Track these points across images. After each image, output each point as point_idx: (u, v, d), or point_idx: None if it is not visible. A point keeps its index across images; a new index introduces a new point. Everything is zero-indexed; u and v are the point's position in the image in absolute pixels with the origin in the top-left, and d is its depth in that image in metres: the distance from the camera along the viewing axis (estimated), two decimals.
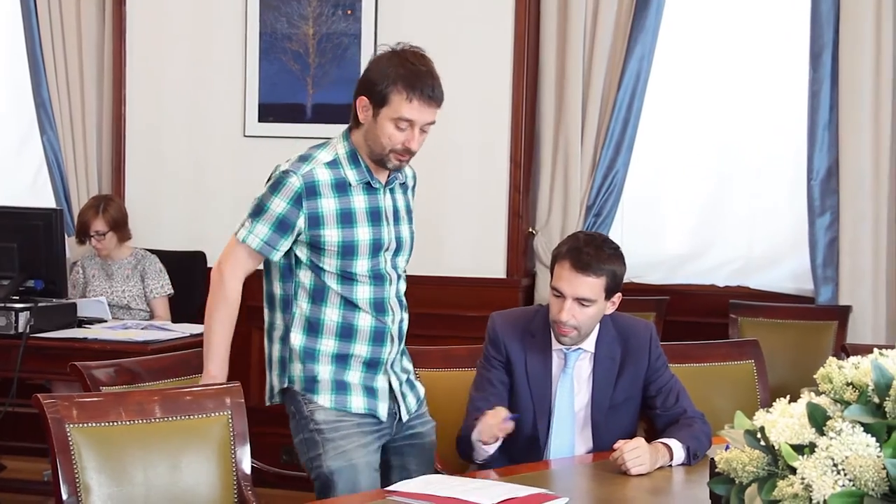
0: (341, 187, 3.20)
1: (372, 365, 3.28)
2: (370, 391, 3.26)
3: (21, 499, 5.49)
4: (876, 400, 2.08)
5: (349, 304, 3.24)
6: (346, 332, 3.25)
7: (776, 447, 2.10)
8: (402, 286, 3.37)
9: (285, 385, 3.26)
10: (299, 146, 5.81)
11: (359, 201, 3.22)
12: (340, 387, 3.24)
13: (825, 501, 1.98)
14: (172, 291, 5.64)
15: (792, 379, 4.59)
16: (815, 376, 2.17)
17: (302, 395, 3.23)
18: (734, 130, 5.75)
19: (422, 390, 3.46)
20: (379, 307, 3.27)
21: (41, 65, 6.22)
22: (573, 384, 3.41)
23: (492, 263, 5.74)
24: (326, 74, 5.82)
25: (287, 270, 3.27)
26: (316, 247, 3.20)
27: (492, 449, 3.27)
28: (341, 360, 3.25)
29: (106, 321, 5.30)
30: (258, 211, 3.21)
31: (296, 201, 3.17)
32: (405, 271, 3.39)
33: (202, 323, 5.25)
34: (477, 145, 5.71)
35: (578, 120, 5.61)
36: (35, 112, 6.27)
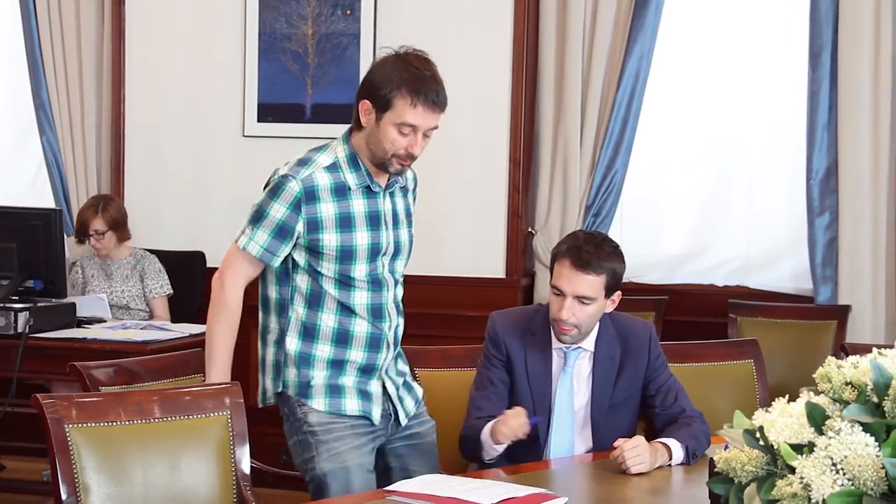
0: (341, 191, 3.18)
1: (367, 370, 3.27)
2: (364, 394, 3.26)
3: (20, 499, 5.49)
4: (875, 399, 2.08)
5: (346, 309, 3.23)
6: (342, 338, 3.24)
7: (775, 447, 2.10)
8: (400, 292, 3.36)
9: (279, 390, 3.26)
10: (299, 146, 5.82)
11: (358, 205, 3.20)
12: (334, 390, 3.23)
13: (824, 501, 1.98)
14: (172, 291, 5.64)
15: (791, 378, 4.59)
16: (813, 376, 2.17)
17: (296, 399, 3.23)
18: (733, 130, 5.76)
19: (420, 391, 3.45)
20: (376, 313, 3.26)
21: (40, 65, 6.22)
22: (573, 383, 3.41)
23: (491, 263, 5.74)
24: (326, 74, 5.82)
25: (284, 275, 3.25)
26: (314, 251, 3.19)
27: (501, 448, 3.27)
28: (336, 365, 3.24)
29: (106, 319, 5.30)
30: (258, 217, 3.19)
31: (295, 206, 3.15)
32: (403, 276, 3.38)
33: (202, 323, 5.27)
34: (476, 145, 5.71)
35: (578, 120, 5.61)
36: (34, 112, 6.27)
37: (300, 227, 3.16)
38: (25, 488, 5.54)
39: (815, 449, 2.04)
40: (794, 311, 5.40)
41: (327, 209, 3.16)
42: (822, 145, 5.47)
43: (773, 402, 2.21)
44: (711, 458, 2.28)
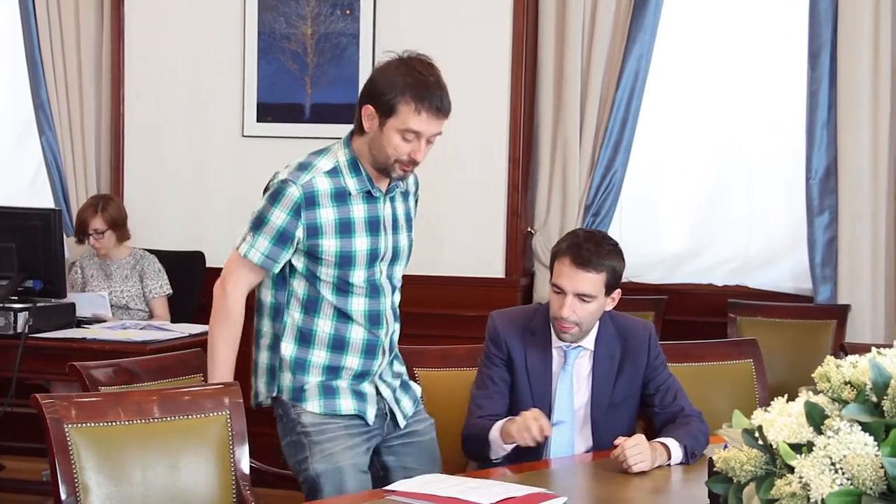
0: (341, 197, 3.16)
1: (361, 375, 3.26)
2: (358, 394, 3.25)
3: (20, 499, 5.49)
4: (874, 399, 2.08)
5: (342, 315, 3.22)
6: (338, 344, 3.23)
7: (774, 446, 2.10)
8: (397, 298, 3.35)
9: (273, 394, 3.25)
10: (298, 146, 5.85)
11: (358, 211, 3.18)
12: (328, 391, 3.22)
13: (823, 500, 1.98)
14: (171, 291, 5.64)
15: (790, 378, 4.59)
16: (812, 375, 2.17)
17: (290, 402, 3.23)
18: (732, 130, 5.76)
19: (418, 390, 3.45)
20: (374, 319, 3.25)
21: (40, 65, 6.22)
22: (573, 382, 3.42)
23: (490, 263, 5.74)
24: (325, 74, 5.82)
25: (280, 279, 3.24)
26: (313, 256, 3.18)
27: (510, 448, 3.27)
28: (332, 371, 3.23)
29: (107, 317, 5.31)
30: (258, 223, 3.18)
31: (295, 212, 3.13)
32: (401, 281, 3.36)
33: (201, 323, 5.30)
34: (476, 145, 5.70)
35: (577, 119, 5.61)
36: (34, 112, 6.27)
37: (300, 233, 3.15)
38: (25, 488, 5.54)
39: (813, 448, 2.04)
40: (794, 310, 5.41)
41: (327, 215, 3.15)
42: (821, 145, 5.47)
43: (772, 402, 2.21)
44: (710, 458, 2.28)
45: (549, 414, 3.39)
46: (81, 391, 3.42)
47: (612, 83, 5.58)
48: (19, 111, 6.42)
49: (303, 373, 3.22)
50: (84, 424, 2.86)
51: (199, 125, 6.04)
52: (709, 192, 5.82)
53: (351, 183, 3.17)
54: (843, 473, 1.99)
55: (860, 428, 2.04)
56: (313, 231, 3.15)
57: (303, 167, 3.18)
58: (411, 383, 3.44)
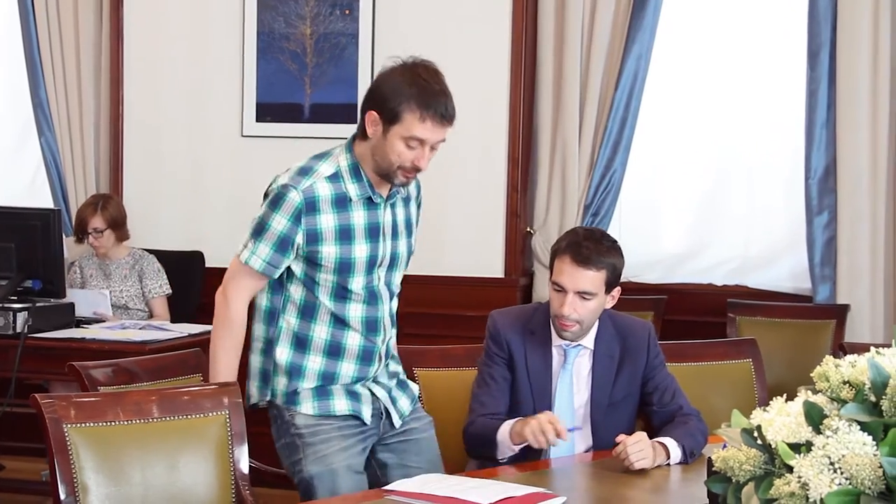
0: (341, 202, 3.14)
1: (356, 380, 3.26)
2: (353, 395, 3.24)
3: (19, 499, 5.49)
4: (872, 398, 2.08)
5: (339, 321, 3.20)
6: (335, 351, 3.22)
7: (773, 446, 2.10)
8: (395, 304, 3.34)
9: (267, 398, 3.24)
10: (297, 146, 5.87)
11: (358, 217, 3.16)
12: (323, 393, 3.21)
13: (822, 500, 1.98)
14: (171, 291, 5.64)
15: (790, 378, 4.59)
16: (811, 375, 2.17)
17: (284, 406, 3.22)
18: (732, 129, 5.76)
19: (415, 388, 3.44)
20: (371, 326, 3.24)
21: (39, 65, 6.22)
22: (573, 380, 3.42)
23: (490, 263, 5.74)
24: (324, 74, 5.82)
25: (277, 283, 3.23)
26: (313, 262, 3.16)
27: (518, 449, 3.26)
28: (327, 377, 3.22)
29: (107, 316, 5.31)
30: (259, 230, 3.15)
31: (296, 218, 3.11)
32: (399, 287, 3.35)
33: (200, 323, 5.30)
34: (475, 145, 5.70)
35: (576, 119, 5.61)
36: (33, 112, 6.27)
37: (299, 239, 3.13)
38: (24, 488, 5.54)
39: (812, 448, 2.05)
40: (793, 310, 5.41)
41: (327, 221, 3.13)
42: (820, 144, 5.47)
43: (771, 402, 2.21)
44: (709, 458, 2.28)
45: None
46: (80, 391, 3.41)
47: (612, 83, 5.58)
48: (18, 111, 6.42)
49: (298, 378, 3.21)
50: (83, 424, 2.85)
51: (198, 125, 6.04)
52: (708, 192, 5.82)
53: (352, 188, 3.15)
54: (842, 473, 1.99)
55: (859, 427, 2.04)
56: (313, 237, 3.13)
57: (303, 172, 3.15)
58: (409, 382, 3.43)
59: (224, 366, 3.20)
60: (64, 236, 5.32)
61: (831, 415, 2.09)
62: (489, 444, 3.30)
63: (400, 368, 3.41)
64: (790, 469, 2.04)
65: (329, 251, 3.14)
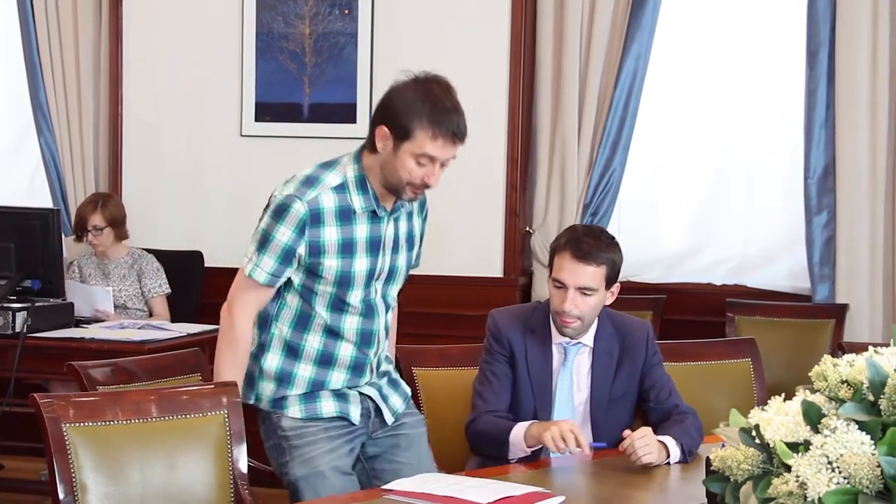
0: (345, 215, 3.11)
1: (346, 387, 3.24)
2: (340, 396, 3.22)
3: (19, 498, 5.49)
4: (871, 398, 2.08)
5: (332, 332, 3.19)
6: (326, 360, 3.20)
7: (771, 445, 2.10)
8: (391, 316, 3.32)
9: (251, 401, 3.22)
10: (296, 145, 5.88)
11: (361, 230, 3.13)
12: (310, 397, 3.20)
13: (820, 499, 1.98)
14: (170, 290, 5.64)
15: (789, 377, 4.60)
16: (810, 374, 2.17)
17: (271, 410, 3.21)
18: (731, 129, 5.76)
19: (407, 389, 3.42)
20: (366, 339, 3.22)
21: (38, 66, 6.21)
22: (573, 378, 3.43)
23: (489, 262, 5.74)
24: (323, 74, 5.82)
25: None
26: (313, 273, 3.14)
27: (530, 451, 3.26)
28: (317, 384, 3.21)
29: (109, 313, 5.32)
30: (263, 241, 3.11)
31: (300, 230, 3.07)
32: (395, 300, 3.34)
33: (199, 322, 5.30)
34: (474, 145, 5.62)
35: (575, 119, 5.62)
36: (32, 113, 6.27)
37: (302, 250, 3.10)
38: (24, 488, 5.54)
39: (810, 447, 2.05)
40: (792, 309, 5.41)
41: (330, 234, 3.10)
42: (819, 144, 5.47)
43: (769, 401, 2.21)
44: (708, 457, 2.28)
45: (550, 411, 3.40)
46: (79, 391, 3.41)
47: (611, 82, 5.58)
48: (18, 112, 6.42)
49: (287, 386, 3.20)
50: (82, 424, 2.85)
51: (197, 125, 6.04)
52: (707, 192, 5.82)
53: (357, 201, 3.12)
54: (840, 472, 1.99)
55: (857, 427, 2.04)
56: (315, 250, 3.10)
57: (309, 182, 3.11)
58: (400, 381, 3.41)
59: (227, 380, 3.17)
60: (63, 236, 5.33)
61: (829, 414, 2.09)
62: (499, 444, 3.30)
63: (391, 368, 3.39)
64: (788, 468, 2.04)
65: (331, 264, 3.12)
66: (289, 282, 3.18)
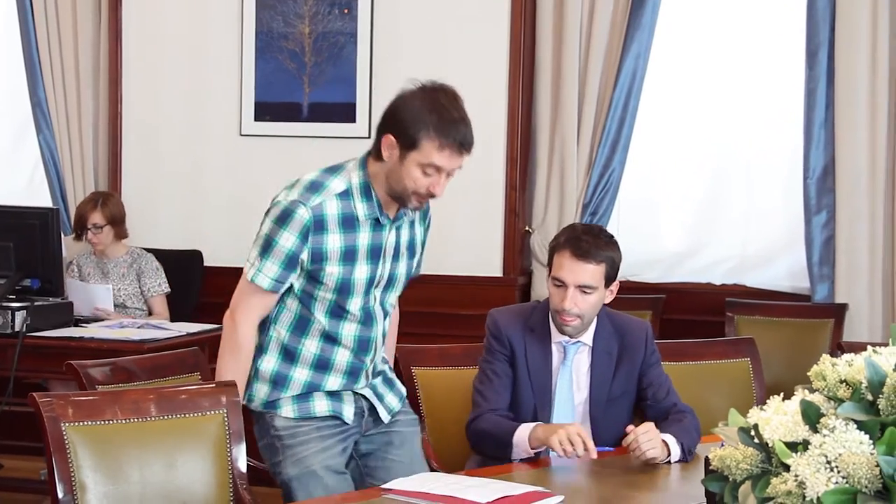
0: (348, 222, 3.10)
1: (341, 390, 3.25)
2: (333, 395, 3.22)
3: (18, 497, 5.49)
4: (869, 397, 2.08)
5: (330, 338, 3.18)
6: (322, 365, 3.20)
7: (770, 444, 2.10)
8: (388, 323, 3.31)
9: (243, 402, 3.19)
10: (295, 145, 5.88)
11: (363, 238, 3.12)
12: (303, 398, 3.20)
13: (819, 499, 1.98)
14: (170, 289, 5.64)
15: (788, 377, 4.59)
16: (808, 374, 2.17)
17: (264, 410, 3.21)
18: (730, 128, 5.76)
19: (403, 389, 3.42)
20: (363, 346, 3.22)
21: (37, 64, 6.21)
22: (573, 376, 3.44)
23: (488, 262, 5.74)
24: (323, 73, 5.82)
25: None
26: (314, 279, 3.13)
27: (533, 453, 3.26)
28: (312, 387, 3.21)
29: (109, 311, 5.32)
30: (266, 247, 3.10)
31: (304, 236, 3.06)
32: (393, 306, 3.33)
33: (199, 322, 5.30)
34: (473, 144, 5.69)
35: (574, 118, 5.62)
36: (31, 111, 6.27)
37: (304, 256, 3.09)
38: (23, 487, 5.54)
39: (809, 447, 2.04)
40: (791, 309, 5.41)
41: (333, 241, 3.09)
42: (819, 143, 5.47)
43: (768, 400, 2.21)
44: (707, 456, 2.28)
45: (549, 409, 3.40)
46: (79, 390, 3.41)
47: (610, 82, 5.58)
48: (17, 110, 6.42)
49: (281, 388, 3.19)
50: (81, 423, 2.85)
51: (196, 124, 6.04)
52: (707, 191, 5.82)
53: (360, 208, 3.11)
54: (839, 472, 1.99)
55: (856, 426, 2.04)
56: (318, 256, 3.09)
57: (314, 188, 3.09)
58: (396, 381, 3.41)
59: None
60: (62, 235, 5.32)
61: (828, 413, 2.09)
62: (501, 445, 3.29)
63: (387, 367, 3.38)
64: (787, 468, 2.04)
65: (332, 271, 3.11)
66: (289, 286, 3.16)
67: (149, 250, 5.72)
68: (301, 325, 3.19)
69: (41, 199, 6.27)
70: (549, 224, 5.68)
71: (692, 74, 5.78)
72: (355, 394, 3.25)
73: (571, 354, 3.44)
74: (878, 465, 1.98)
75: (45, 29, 6.16)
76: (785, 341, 5.21)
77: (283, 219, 3.07)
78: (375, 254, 3.16)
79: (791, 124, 5.60)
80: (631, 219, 5.82)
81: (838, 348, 4.52)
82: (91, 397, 3.02)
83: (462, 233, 5.74)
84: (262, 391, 3.21)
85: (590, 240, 3.35)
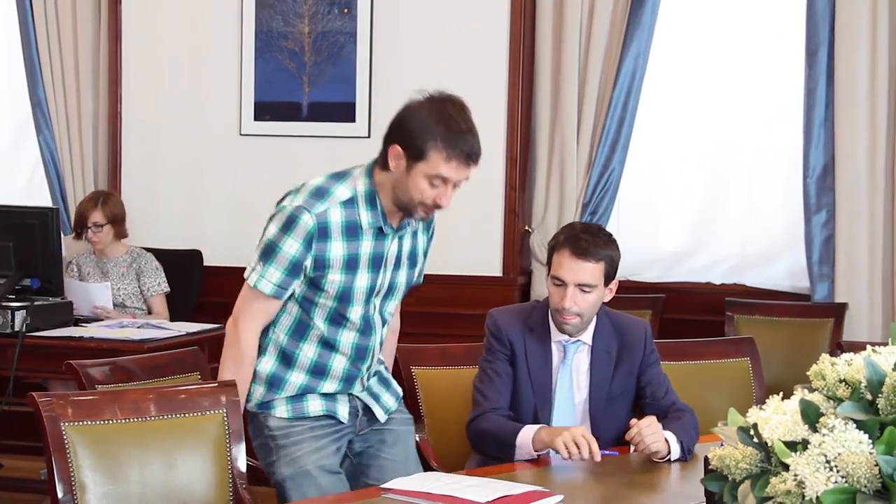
0: (352, 231, 3.09)
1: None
2: (327, 395, 3.22)
3: (18, 497, 5.49)
4: (868, 397, 2.08)
5: (328, 344, 3.18)
6: (319, 370, 3.20)
7: (769, 444, 2.10)
8: (386, 331, 3.31)
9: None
10: (295, 144, 5.88)
11: (366, 246, 3.12)
12: (297, 398, 3.20)
13: (818, 498, 1.98)
14: (169, 289, 5.64)
15: (788, 376, 4.59)
16: (808, 373, 2.17)
17: (258, 411, 3.21)
18: (730, 128, 5.76)
19: (398, 389, 3.42)
20: (361, 354, 3.22)
21: (37, 64, 6.21)
22: (573, 375, 3.44)
23: (488, 261, 5.74)
24: (322, 73, 5.82)
25: None
26: (315, 286, 3.12)
27: (537, 455, 3.26)
28: (308, 390, 3.21)
29: (108, 308, 5.32)
30: (269, 252, 3.08)
31: (308, 243, 3.05)
32: (392, 315, 3.33)
33: (198, 321, 5.29)
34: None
35: (574, 118, 5.62)
36: (31, 111, 6.27)
37: (307, 263, 3.08)
38: (23, 487, 5.55)
39: (808, 446, 2.04)
40: (791, 308, 5.41)
41: (336, 249, 3.08)
42: (818, 143, 5.47)
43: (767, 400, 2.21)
44: (706, 456, 2.29)
45: (550, 409, 3.41)
46: (78, 390, 3.41)
47: (610, 82, 5.58)
48: (17, 110, 6.42)
49: (277, 390, 3.19)
50: (81, 423, 2.85)
51: (196, 124, 6.04)
52: (706, 191, 5.82)
53: (364, 216, 3.10)
54: (838, 471, 1.99)
55: (855, 426, 2.04)
56: (321, 264, 3.08)
57: (319, 194, 3.08)
58: (392, 381, 3.40)
59: None
60: (62, 235, 5.33)
61: (827, 413, 2.09)
62: (504, 446, 3.29)
63: (382, 367, 3.38)
64: (786, 467, 2.04)
65: (334, 278, 3.10)
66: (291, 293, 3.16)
67: (148, 250, 5.72)
68: (300, 330, 3.19)
69: (41, 198, 6.27)
70: (549, 224, 5.67)
71: (692, 74, 5.78)
72: (350, 395, 3.25)
73: (571, 353, 3.45)
74: (877, 465, 1.98)
75: (44, 29, 6.16)
76: (784, 341, 5.21)
77: (288, 225, 3.06)
78: (377, 263, 3.15)
79: (791, 123, 5.60)
80: (630, 218, 5.82)
81: (838, 348, 4.52)
82: (90, 397, 3.02)
83: (462, 232, 5.73)
84: (257, 392, 3.20)
85: (589, 238, 3.36)
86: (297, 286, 3.14)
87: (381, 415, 3.29)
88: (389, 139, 3.08)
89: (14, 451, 5.73)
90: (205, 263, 5.88)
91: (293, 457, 3.16)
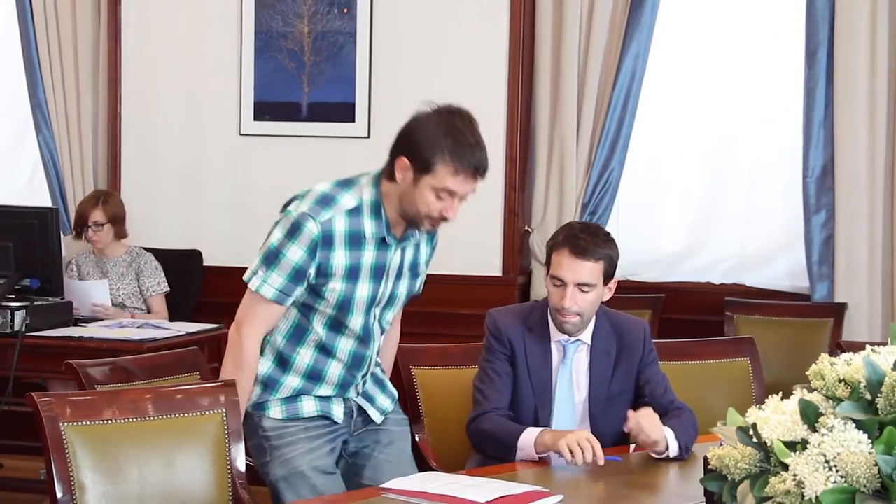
0: (356, 240, 3.08)
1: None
2: (322, 397, 3.22)
3: (17, 497, 5.49)
4: (868, 397, 2.08)
5: (325, 350, 3.18)
6: (315, 376, 3.20)
7: (768, 444, 2.10)
8: (384, 339, 3.31)
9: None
10: (295, 144, 5.88)
11: (368, 256, 3.11)
12: (291, 399, 3.20)
13: (817, 498, 1.98)
14: (169, 289, 5.64)
15: (787, 376, 4.57)
16: (807, 373, 2.17)
17: (253, 411, 3.21)
18: (729, 128, 5.76)
19: (394, 390, 3.41)
20: (357, 362, 3.21)
21: (37, 64, 6.22)
22: (573, 375, 3.44)
23: (488, 261, 5.74)
24: (322, 73, 5.82)
25: None
26: (316, 293, 3.12)
27: (539, 457, 3.26)
28: (303, 392, 3.20)
29: (107, 306, 5.32)
30: (272, 258, 3.07)
31: (312, 250, 3.04)
32: (391, 324, 3.33)
33: (198, 321, 5.29)
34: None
35: (574, 118, 5.62)
36: (31, 111, 6.27)
37: (311, 271, 3.07)
38: (22, 487, 5.55)
39: (808, 446, 2.04)
40: (791, 308, 5.41)
41: (339, 258, 3.07)
42: (818, 143, 5.47)
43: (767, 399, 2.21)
44: (705, 456, 2.28)
45: (550, 408, 3.41)
46: (78, 389, 3.41)
47: (609, 82, 5.58)
48: (16, 110, 6.42)
49: (271, 392, 3.19)
50: (80, 423, 2.85)
51: (195, 124, 6.04)
52: (706, 191, 5.82)
53: (368, 225, 3.09)
54: (837, 471, 1.99)
55: (854, 426, 2.04)
56: (324, 272, 3.08)
57: (325, 202, 3.07)
58: (387, 382, 3.40)
59: None
60: (62, 235, 5.33)
61: (827, 413, 2.09)
62: (505, 447, 3.29)
63: (378, 369, 3.37)
64: (785, 467, 2.04)
65: (335, 287, 3.10)
66: None
67: (148, 250, 5.72)
68: (298, 334, 3.18)
69: (41, 198, 6.27)
70: (549, 224, 5.67)
71: (691, 74, 5.78)
72: (345, 397, 3.25)
73: (571, 353, 3.45)
74: (876, 465, 1.98)
75: (44, 29, 6.16)
76: (784, 341, 5.21)
77: (293, 232, 3.05)
78: (379, 273, 3.15)
79: (790, 124, 5.60)
80: (630, 218, 5.82)
81: (837, 347, 4.52)
82: (90, 397, 3.02)
83: (462, 232, 5.70)
84: (253, 393, 3.20)
85: (587, 238, 3.36)
86: (300, 292, 3.13)
87: (376, 416, 3.30)
88: (396, 151, 3.07)
89: (14, 451, 5.73)
90: (204, 263, 5.88)
91: (287, 457, 3.16)
